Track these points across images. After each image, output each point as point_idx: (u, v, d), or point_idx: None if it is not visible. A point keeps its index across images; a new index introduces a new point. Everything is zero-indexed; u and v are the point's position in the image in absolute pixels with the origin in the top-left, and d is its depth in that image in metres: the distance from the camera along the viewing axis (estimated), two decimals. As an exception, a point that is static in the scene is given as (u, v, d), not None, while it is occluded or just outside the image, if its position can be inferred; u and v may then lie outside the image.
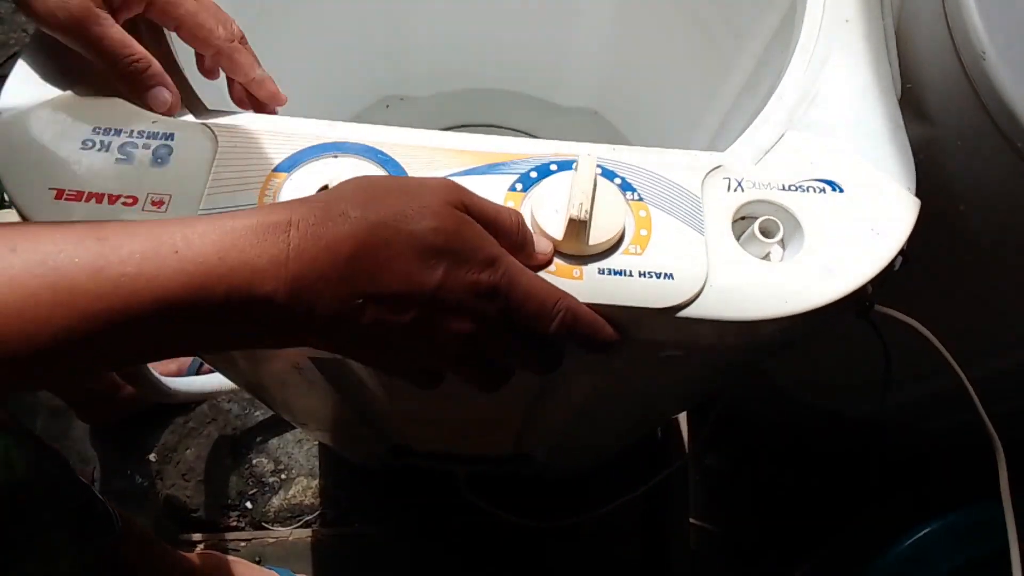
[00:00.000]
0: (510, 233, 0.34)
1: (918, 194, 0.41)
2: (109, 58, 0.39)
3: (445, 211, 0.32)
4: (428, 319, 0.32)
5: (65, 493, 0.46)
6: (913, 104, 0.45)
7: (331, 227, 0.30)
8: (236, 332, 0.31)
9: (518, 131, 0.85)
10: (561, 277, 0.36)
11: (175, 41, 0.45)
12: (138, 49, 0.39)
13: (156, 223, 0.30)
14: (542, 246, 0.36)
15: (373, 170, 0.38)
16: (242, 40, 0.46)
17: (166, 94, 0.40)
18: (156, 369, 0.81)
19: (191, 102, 0.42)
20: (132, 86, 0.39)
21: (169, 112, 0.40)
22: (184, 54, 0.45)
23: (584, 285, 0.36)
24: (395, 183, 0.33)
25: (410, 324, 0.32)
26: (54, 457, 0.46)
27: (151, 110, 0.40)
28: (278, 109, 0.50)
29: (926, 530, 0.68)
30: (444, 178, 0.34)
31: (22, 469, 0.42)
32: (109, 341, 0.28)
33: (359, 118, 0.81)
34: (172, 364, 0.94)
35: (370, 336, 0.32)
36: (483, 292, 0.32)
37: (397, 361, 0.34)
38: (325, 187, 0.37)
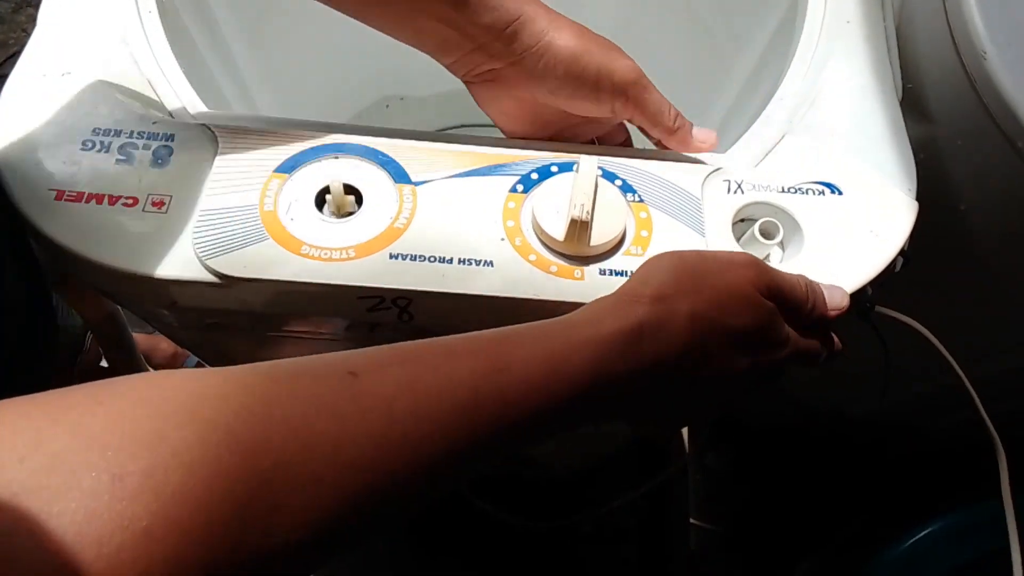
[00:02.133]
0: (803, 304, 0.35)
1: (919, 194, 0.41)
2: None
3: (757, 303, 0.33)
4: (726, 387, 0.35)
5: None
6: (914, 104, 0.45)
7: (670, 330, 0.31)
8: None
9: (518, 131, 0.85)
10: (562, 278, 0.36)
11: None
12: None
13: (541, 344, 0.29)
14: (835, 298, 0.36)
15: (374, 171, 0.38)
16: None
17: (712, 135, 0.43)
18: (152, 365, 0.81)
19: (191, 103, 0.42)
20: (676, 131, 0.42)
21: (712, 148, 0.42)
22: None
23: (585, 286, 0.36)
24: (708, 265, 0.33)
25: (712, 396, 0.35)
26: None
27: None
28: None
29: (926, 530, 0.68)
30: (750, 258, 0.34)
31: None
32: (482, 455, 0.28)
33: (359, 118, 0.80)
34: (168, 357, 0.94)
35: (680, 408, 0.35)
36: (774, 367, 0.35)
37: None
38: (326, 189, 0.37)
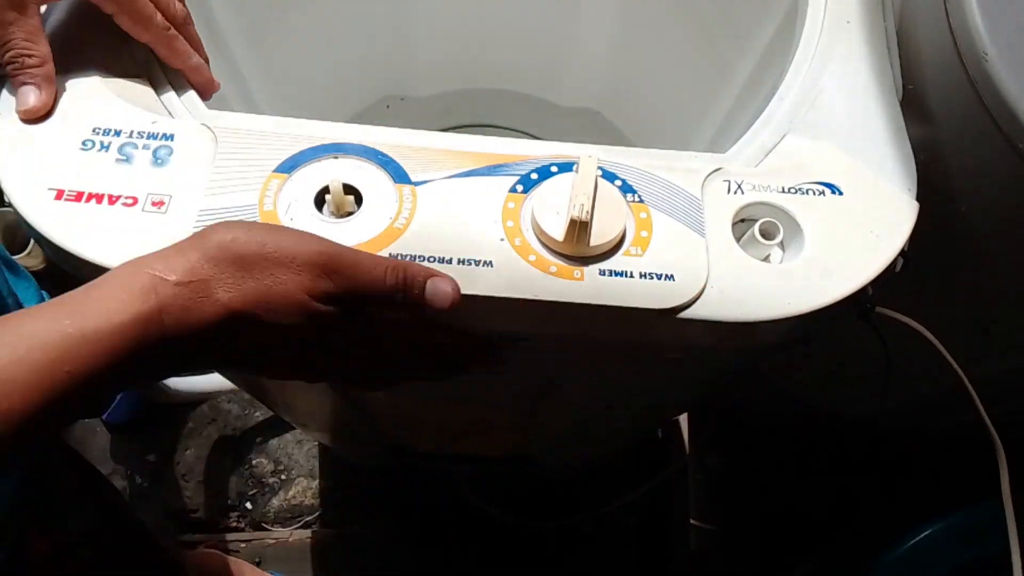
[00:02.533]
0: (391, 302, 0.34)
1: (919, 195, 0.41)
2: None
3: (309, 311, 0.32)
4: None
5: None
6: (914, 105, 0.45)
7: (199, 315, 0.31)
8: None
9: (519, 131, 0.85)
10: (562, 278, 0.36)
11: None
12: (30, 45, 0.38)
13: (23, 337, 0.29)
14: (440, 287, 0.34)
15: (374, 172, 0.38)
16: (186, 20, 0.44)
17: (31, 97, 0.38)
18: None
19: (191, 103, 0.42)
20: (8, 77, 0.38)
21: (28, 117, 0.38)
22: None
23: (585, 286, 0.36)
24: (263, 258, 0.32)
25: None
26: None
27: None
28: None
29: (926, 530, 0.68)
30: (313, 258, 0.32)
31: None
32: None
33: (359, 118, 0.81)
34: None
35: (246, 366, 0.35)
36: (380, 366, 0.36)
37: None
38: (325, 189, 0.37)
